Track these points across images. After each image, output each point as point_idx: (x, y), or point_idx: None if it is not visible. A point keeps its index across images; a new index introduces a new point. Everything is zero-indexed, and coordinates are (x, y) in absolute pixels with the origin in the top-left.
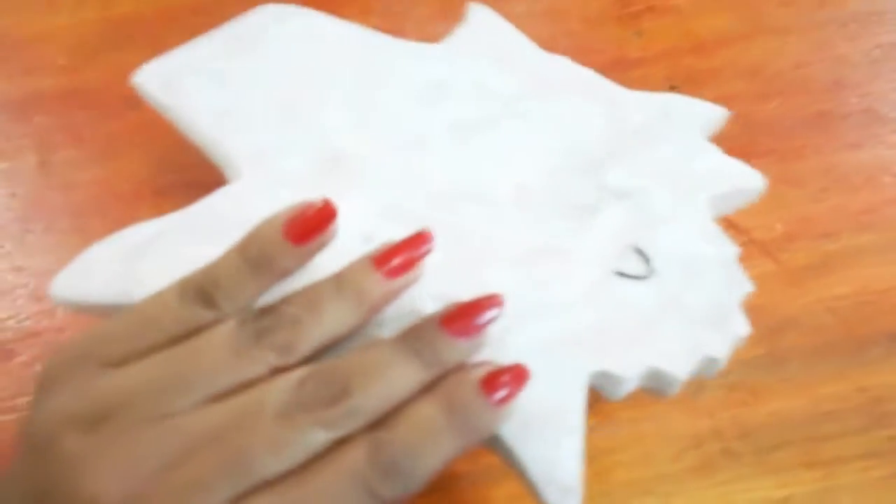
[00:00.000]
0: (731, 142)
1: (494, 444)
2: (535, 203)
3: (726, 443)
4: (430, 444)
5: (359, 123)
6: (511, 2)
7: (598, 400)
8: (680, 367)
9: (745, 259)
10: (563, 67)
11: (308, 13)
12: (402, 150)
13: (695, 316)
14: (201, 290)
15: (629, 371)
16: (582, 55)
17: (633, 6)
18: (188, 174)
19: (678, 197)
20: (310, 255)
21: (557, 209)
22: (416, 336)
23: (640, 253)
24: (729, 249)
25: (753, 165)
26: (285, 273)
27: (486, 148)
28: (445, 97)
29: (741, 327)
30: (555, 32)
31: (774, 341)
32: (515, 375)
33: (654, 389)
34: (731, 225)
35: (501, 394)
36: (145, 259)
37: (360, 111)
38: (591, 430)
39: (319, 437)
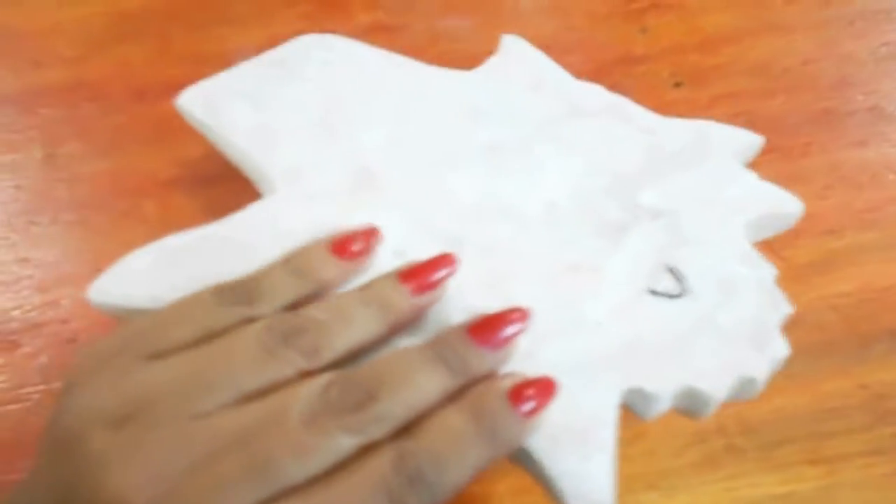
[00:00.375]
0: None
1: (522, 459)
2: (565, 221)
3: (730, 438)
4: (456, 454)
5: (394, 143)
6: None
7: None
8: (716, 386)
9: None
10: (596, 94)
11: (349, 42)
12: (434, 169)
13: (731, 336)
14: (238, 290)
15: (663, 389)
16: (587, 52)
17: (637, 2)
18: (194, 168)
19: (713, 219)
20: (352, 270)
21: (588, 227)
22: (443, 344)
23: (673, 272)
24: (767, 271)
25: (758, 162)
26: (325, 284)
27: (518, 168)
28: (479, 121)
29: (780, 349)
30: (560, 28)
31: None
32: (543, 388)
33: (687, 410)
34: None
35: (529, 405)
36: (182, 267)
37: (396, 132)
38: None
39: (345, 443)
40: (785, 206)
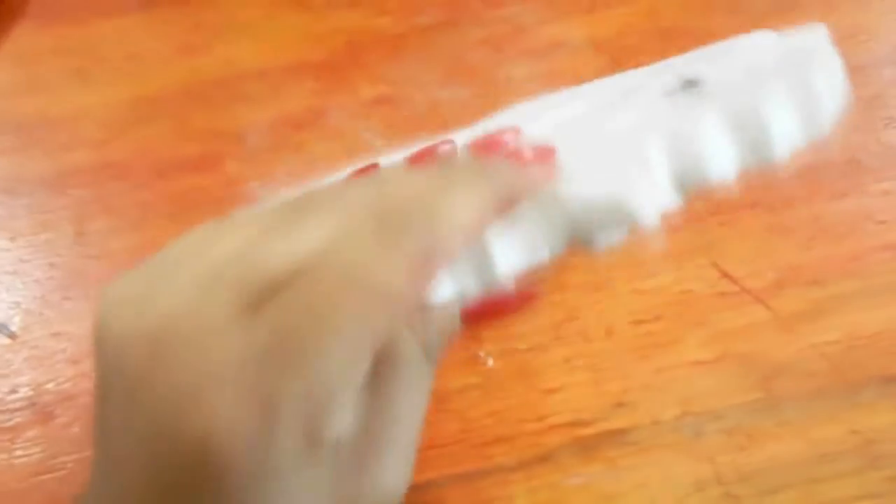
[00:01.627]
0: (722, 192)
1: (570, 213)
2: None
3: (727, 487)
4: (449, 191)
5: None
6: (511, 66)
7: (601, 445)
8: (780, 105)
9: (737, 307)
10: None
11: None
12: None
13: (780, 75)
14: None
15: (717, 113)
16: None
17: (624, 65)
18: None
19: (738, 65)
20: None
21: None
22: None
23: (690, 82)
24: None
25: (744, 216)
26: None
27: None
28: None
29: (837, 61)
30: (550, 93)
31: (769, 386)
32: (543, 149)
33: (761, 157)
34: (723, 274)
35: (529, 159)
36: None
37: None
38: (594, 477)
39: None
40: (809, 32)
